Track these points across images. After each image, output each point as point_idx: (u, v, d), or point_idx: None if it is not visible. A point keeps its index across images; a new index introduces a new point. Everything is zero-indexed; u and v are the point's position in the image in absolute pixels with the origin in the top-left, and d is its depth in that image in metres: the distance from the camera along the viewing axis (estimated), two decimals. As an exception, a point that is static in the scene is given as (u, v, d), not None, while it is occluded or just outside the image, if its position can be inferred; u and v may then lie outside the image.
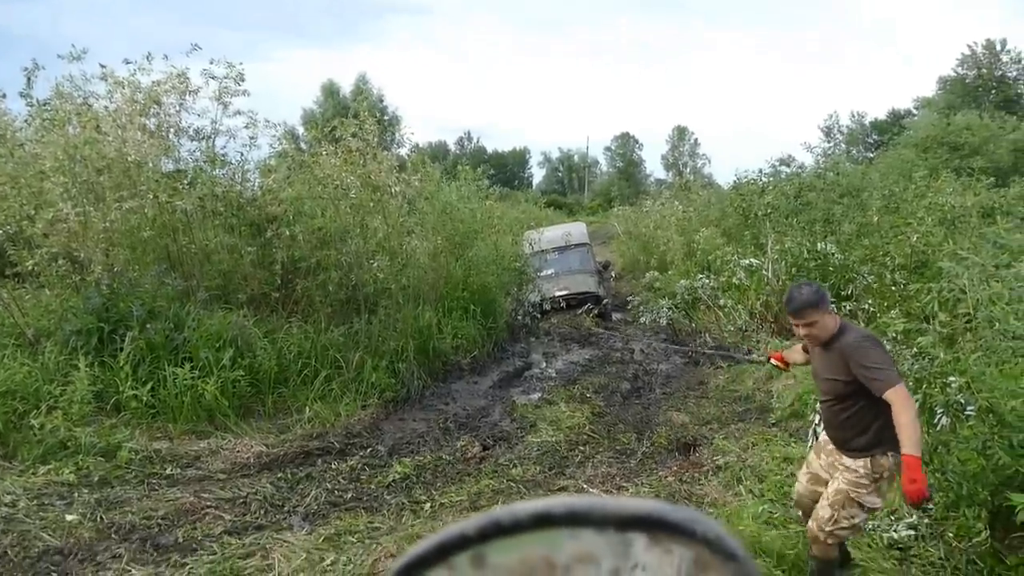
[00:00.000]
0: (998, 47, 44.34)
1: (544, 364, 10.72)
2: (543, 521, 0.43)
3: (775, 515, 4.75)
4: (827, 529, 3.45)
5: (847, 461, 3.44)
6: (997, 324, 4.51)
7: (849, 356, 3.27)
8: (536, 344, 11.99)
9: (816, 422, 5.87)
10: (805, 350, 3.96)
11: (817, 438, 5.78)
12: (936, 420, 4.17)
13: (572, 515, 0.43)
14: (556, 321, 13.28)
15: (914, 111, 47.60)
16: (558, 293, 13.82)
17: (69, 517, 4.60)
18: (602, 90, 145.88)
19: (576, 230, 16.44)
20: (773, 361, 4.54)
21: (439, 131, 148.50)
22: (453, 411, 7.94)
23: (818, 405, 5.92)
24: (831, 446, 3.61)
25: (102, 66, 8.10)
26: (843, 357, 3.31)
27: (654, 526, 0.42)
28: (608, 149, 79.67)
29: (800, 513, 3.99)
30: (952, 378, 4.50)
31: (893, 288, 8.13)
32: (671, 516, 0.43)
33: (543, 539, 0.43)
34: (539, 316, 13.25)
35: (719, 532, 0.42)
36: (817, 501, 3.67)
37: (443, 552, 0.43)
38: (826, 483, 3.63)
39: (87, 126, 7.40)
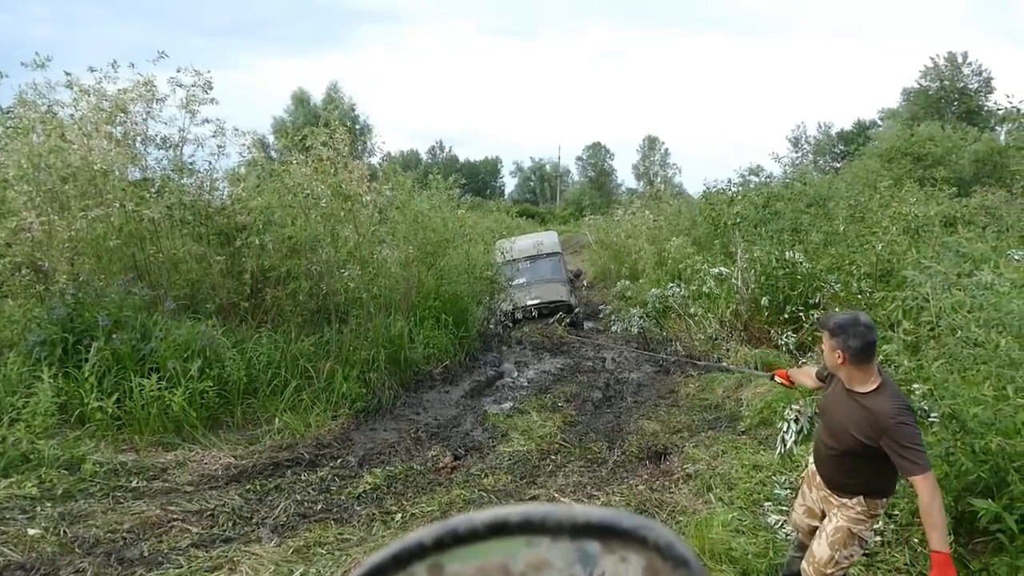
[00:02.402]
0: (960, 59, 45.28)
1: (516, 373, 10.71)
2: (499, 529, 0.43)
3: (745, 522, 4.81)
4: (827, 572, 3.33)
5: (843, 500, 3.31)
6: (959, 332, 4.60)
7: (883, 427, 3.01)
8: (508, 353, 11.98)
9: (785, 430, 5.94)
10: (820, 378, 3.72)
11: (785, 445, 5.87)
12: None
13: (527, 523, 0.43)
14: (528, 330, 13.29)
15: (879, 122, 48.39)
16: (530, 302, 13.84)
17: (31, 531, 4.51)
18: (574, 100, 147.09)
19: (548, 239, 16.47)
20: (778, 379, 4.36)
21: (411, 140, 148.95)
22: (424, 421, 7.90)
23: (790, 410, 6.01)
24: (819, 479, 3.48)
25: (67, 73, 8.00)
26: (874, 421, 3.05)
27: (607, 534, 0.43)
28: (580, 158, 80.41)
29: (797, 534, 3.86)
30: (916, 385, 4.58)
31: (859, 296, 8.24)
32: (622, 523, 0.43)
33: (500, 547, 0.43)
34: (511, 325, 13.26)
35: (670, 538, 0.43)
36: (813, 532, 3.56)
37: (400, 561, 0.43)
38: (819, 516, 3.52)
39: (52, 134, 7.29)
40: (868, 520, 3.28)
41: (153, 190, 7.93)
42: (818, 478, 3.47)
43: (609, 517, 0.43)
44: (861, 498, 3.24)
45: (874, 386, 3.13)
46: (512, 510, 0.44)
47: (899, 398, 3.13)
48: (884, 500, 3.29)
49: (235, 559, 4.42)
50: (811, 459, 3.62)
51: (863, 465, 3.19)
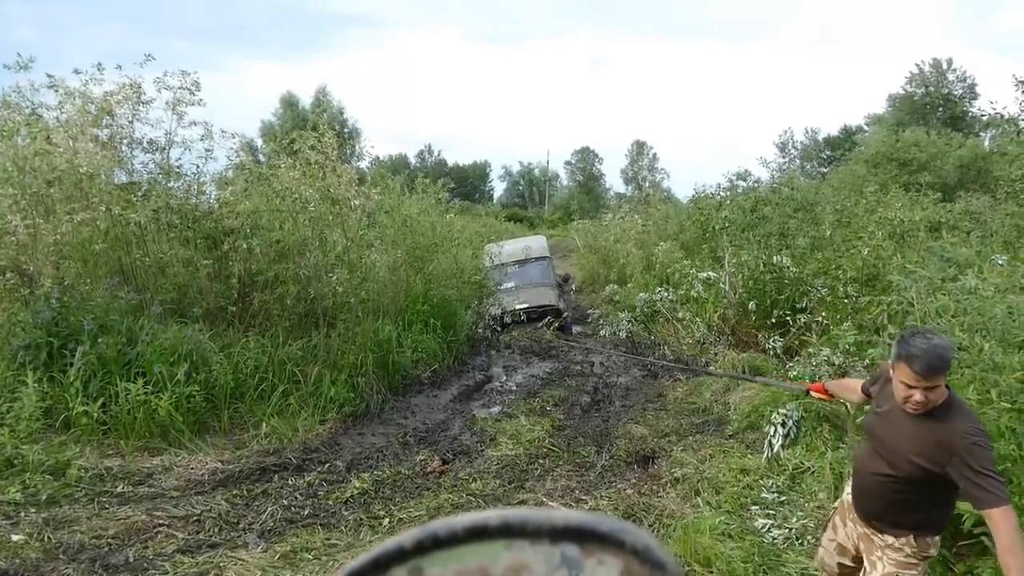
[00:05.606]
0: (945, 66, 45.79)
1: (504, 377, 10.71)
2: (479, 533, 0.43)
3: (732, 526, 4.81)
4: None
5: (888, 538, 2.88)
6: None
7: (956, 449, 2.56)
8: (496, 357, 11.98)
9: (772, 434, 5.97)
10: (865, 392, 3.23)
11: (773, 448, 5.89)
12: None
13: (507, 527, 0.43)
14: (516, 334, 13.29)
15: (865, 127, 48.81)
16: (518, 306, 13.83)
17: (15, 537, 4.47)
18: (562, 104, 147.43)
19: (536, 243, 16.49)
20: (814, 394, 3.92)
21: (400, 144, 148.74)
22: (413, 425, 7.89)
23: (777, 414, 6.03)
24: (855, 513, 3.06)
25: (49, 76, 7.95)
26: (944, 443, 2.59)
27: (585, 537, 0.43)
28: (568, 163, 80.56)
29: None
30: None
31: (845, 301, 8.28)
32: (600, 527, 0.43)
33: (480, 551, 0.43)
34: (500, 329, 13.27)
35: (647, 542, 0.43)
36: (843, 574, 3.24)
37: (380, 566, 0.43)
38: (853, 556, 3.15)
39: (37, 137, 7.24)
40: (920, 563, 2.84)
41: (140, 193, 7.89)
42: (854, 512, 3.04)
43: (587, 521, 0.44)
44: (911, 537, 2.81)
45: (942, 399, 2.67)
46: (492, 514, 0.44)
47: (972, 416, 2.70)
48: (936, 538, 2.87)
49: (221, 565, 4.40)
50: (847, 489, 3.21)
51: (919, 497, 2.77)
